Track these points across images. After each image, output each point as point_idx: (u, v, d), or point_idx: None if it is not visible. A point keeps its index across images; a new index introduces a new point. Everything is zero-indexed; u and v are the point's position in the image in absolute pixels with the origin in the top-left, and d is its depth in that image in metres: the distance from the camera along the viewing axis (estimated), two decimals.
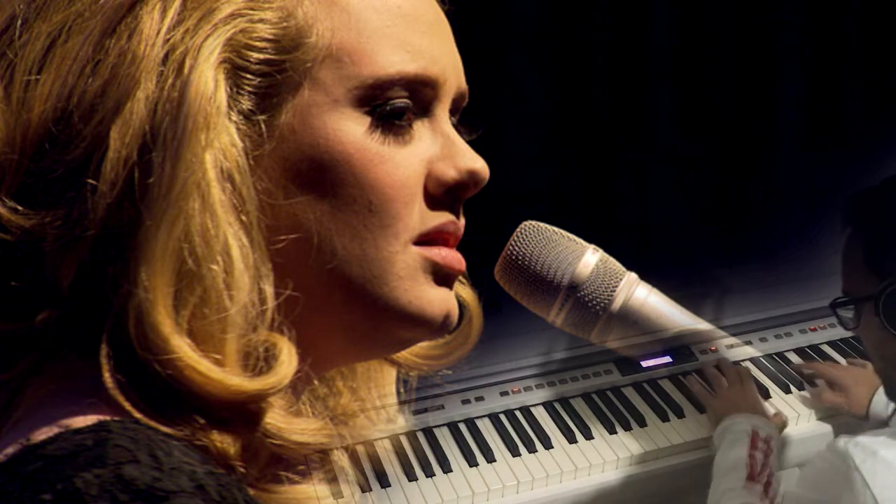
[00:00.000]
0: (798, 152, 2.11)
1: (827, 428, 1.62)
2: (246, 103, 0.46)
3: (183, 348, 0.42)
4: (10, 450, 0.41)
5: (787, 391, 1.70)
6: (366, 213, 0.48)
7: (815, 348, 1.83)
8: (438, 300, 0.52)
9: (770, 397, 1.67)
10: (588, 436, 1.57)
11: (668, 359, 1.74)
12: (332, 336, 0.51)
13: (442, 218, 0.52)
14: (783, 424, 1.54)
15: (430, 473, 1.49)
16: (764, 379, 1.73)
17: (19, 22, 0.46)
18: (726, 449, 1.41)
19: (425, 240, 0.51)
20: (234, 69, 0.46)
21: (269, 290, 0.46)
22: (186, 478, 0.38)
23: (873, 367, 1.32)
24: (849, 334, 1.77)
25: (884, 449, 1.13)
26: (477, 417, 1.62)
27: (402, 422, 0.66)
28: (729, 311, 1.77)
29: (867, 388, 1.55)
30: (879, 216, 1.22)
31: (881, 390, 1.51)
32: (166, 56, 0.44)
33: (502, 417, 1.63)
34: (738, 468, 1.34)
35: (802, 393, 1.68)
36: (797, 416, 1.63)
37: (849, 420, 1.60)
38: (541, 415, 1.64)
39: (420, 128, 0.51)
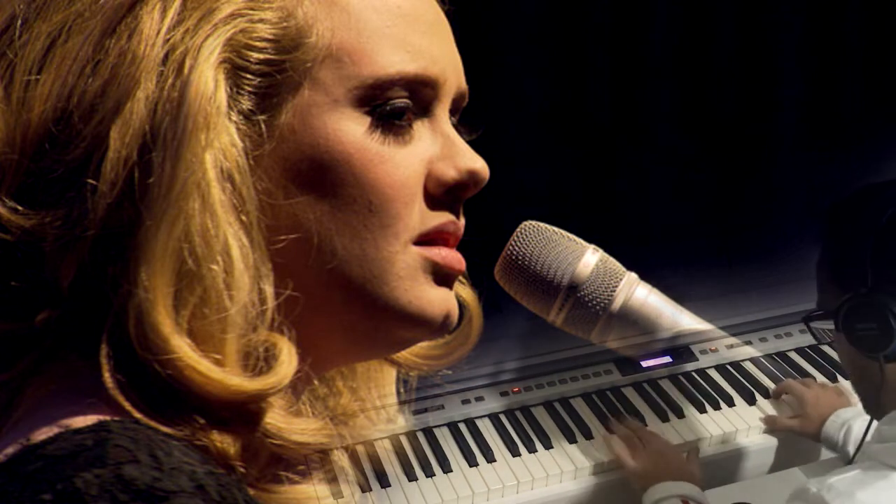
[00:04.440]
0: (798, 152, 2.11)
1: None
2: (246, 103, 0.46)
3: (183, 348, 0.42)
4: (10, 450, 0.41)
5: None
6: (366, 213, 0.48)
7: (815, 348, 1.83)
8: (438, 300, 0.52)
9: (769, 397, 1.68)
10: (588, 436, 1.57)
11: (668, 359, 1.74)
12: (332, 336, 0.51)
13: (442, 218, 0.52)
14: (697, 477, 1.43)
15: (430, 473, 1.49)
16: (764, 379, 1.73)
17: (19, 22, 0.46)
18: None
19: (425, 240, 0.51)
20: (234, 69, 0.46)
21: (269, 290, 0.46)
22: (186, 478, 0.38)
23: (850, 381, 1.27)
24: None
25: (860, 490, 1.07)
26: (477, 417, 1.62)
27: (402, 422, 0.66)
28: (729, 311, 1.76)
29: (825, 409, 1.53)
30: (842, 228, 1.18)
31: (837, 413, 1.51)
32: (166, 56, 0.44)
33: (502, 417, 1.63)
34: None
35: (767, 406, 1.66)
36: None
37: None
38: (540, 415, 1.64)
39: (420, 128, 0.51)
